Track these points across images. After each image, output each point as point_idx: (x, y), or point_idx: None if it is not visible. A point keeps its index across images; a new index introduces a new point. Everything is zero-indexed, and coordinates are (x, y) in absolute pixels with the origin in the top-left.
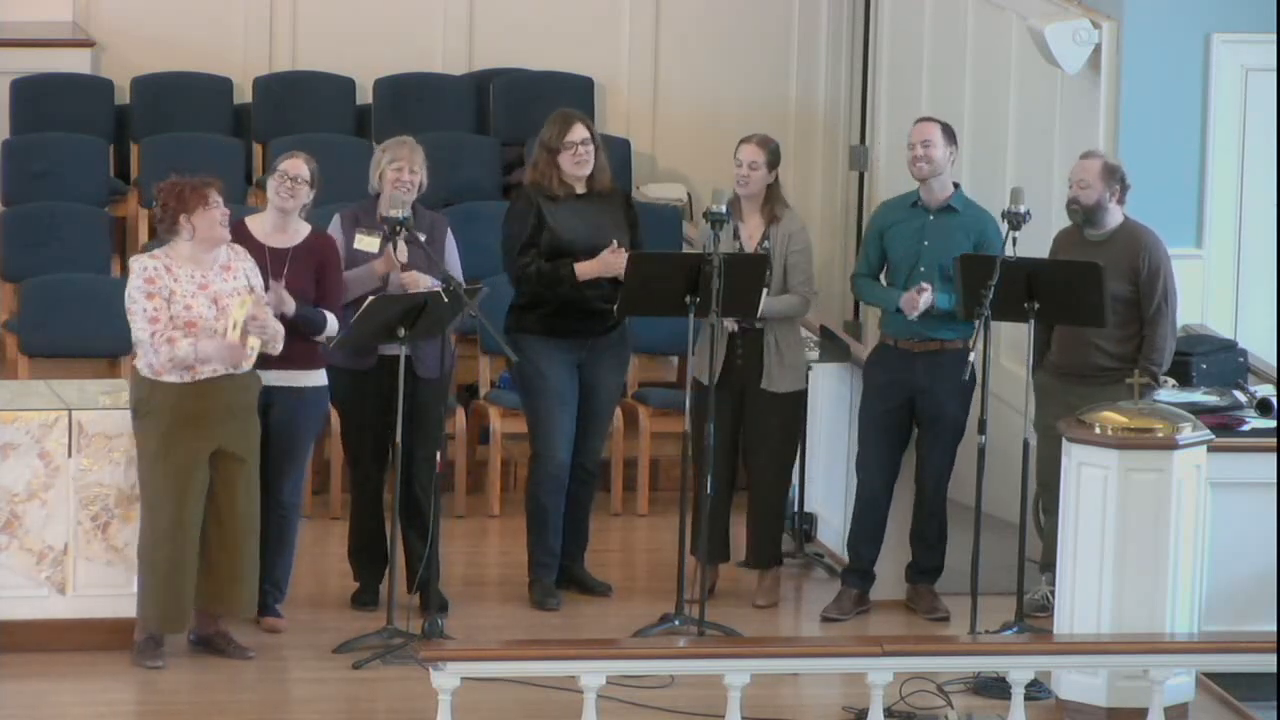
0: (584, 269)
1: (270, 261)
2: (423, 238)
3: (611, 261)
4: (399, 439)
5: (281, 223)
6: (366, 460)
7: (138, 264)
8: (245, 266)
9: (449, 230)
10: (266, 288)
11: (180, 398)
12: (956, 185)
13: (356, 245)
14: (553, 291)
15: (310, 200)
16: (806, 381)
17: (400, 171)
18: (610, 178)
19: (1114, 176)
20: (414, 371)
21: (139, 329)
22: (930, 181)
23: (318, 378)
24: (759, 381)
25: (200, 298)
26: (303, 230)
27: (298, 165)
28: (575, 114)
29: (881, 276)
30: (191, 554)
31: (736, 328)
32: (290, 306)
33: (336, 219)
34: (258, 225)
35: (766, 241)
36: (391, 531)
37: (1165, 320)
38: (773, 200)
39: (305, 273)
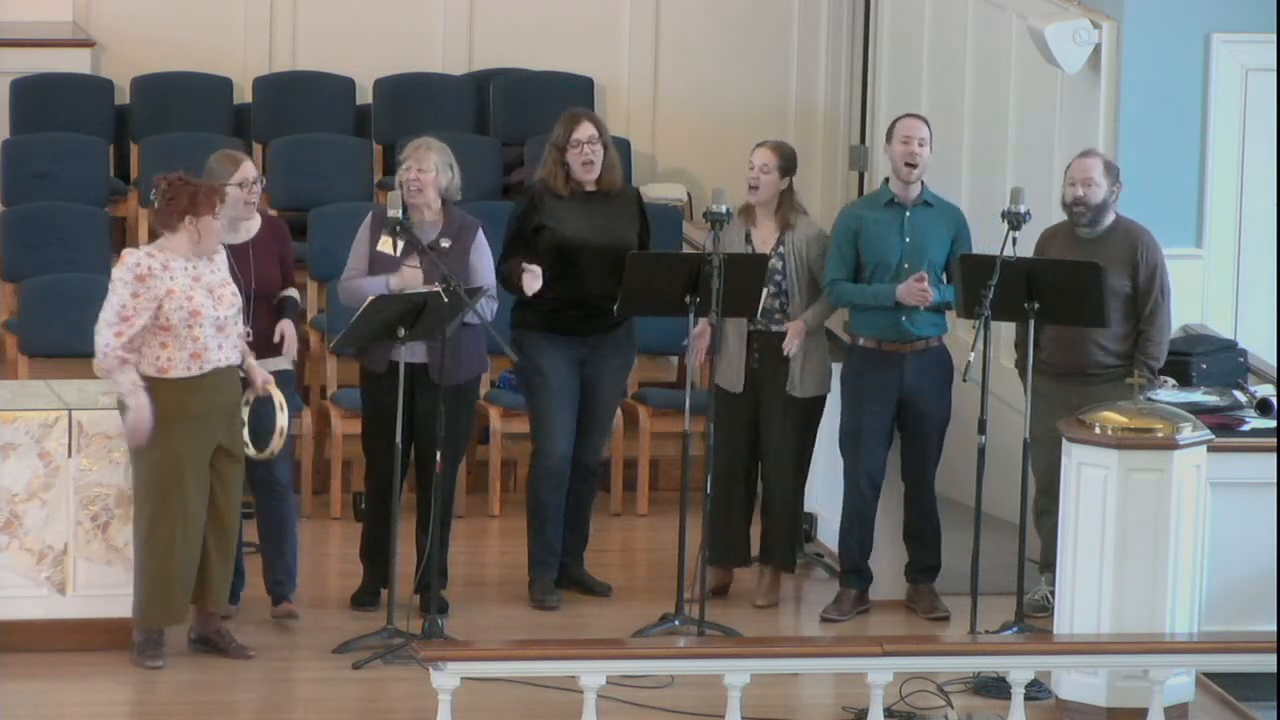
0: (523, 280)
1: (235, 259)
2: (446, 243)
3: (529, 275)
4: (398, 439)
5: (236, 221)
6: (381, 462)
7: (133, 258)
8: (221, 258)
9: (480, 233)
10: (239, 286)
11: (186, 395)
12: (922, 182)
13: (379, 248)
14: (561, 288)
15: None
16: (829, 386)
17: (409, 171)
18: (621, 177)
19: (1116, 175)
20: (430, 376)
21: (108, 316)
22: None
23: (286, 362)
24: (780, 385)
25: (198, 289)
26: (255, 221)
27: (250, 167)
28: (584, 113)
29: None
30: (198, 549)
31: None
32: (294, 342)
33: (369, 216)
34: None
35: (781, 248)
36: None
37: (1163, 315)
38: (786, 207)
39: (271, 261)
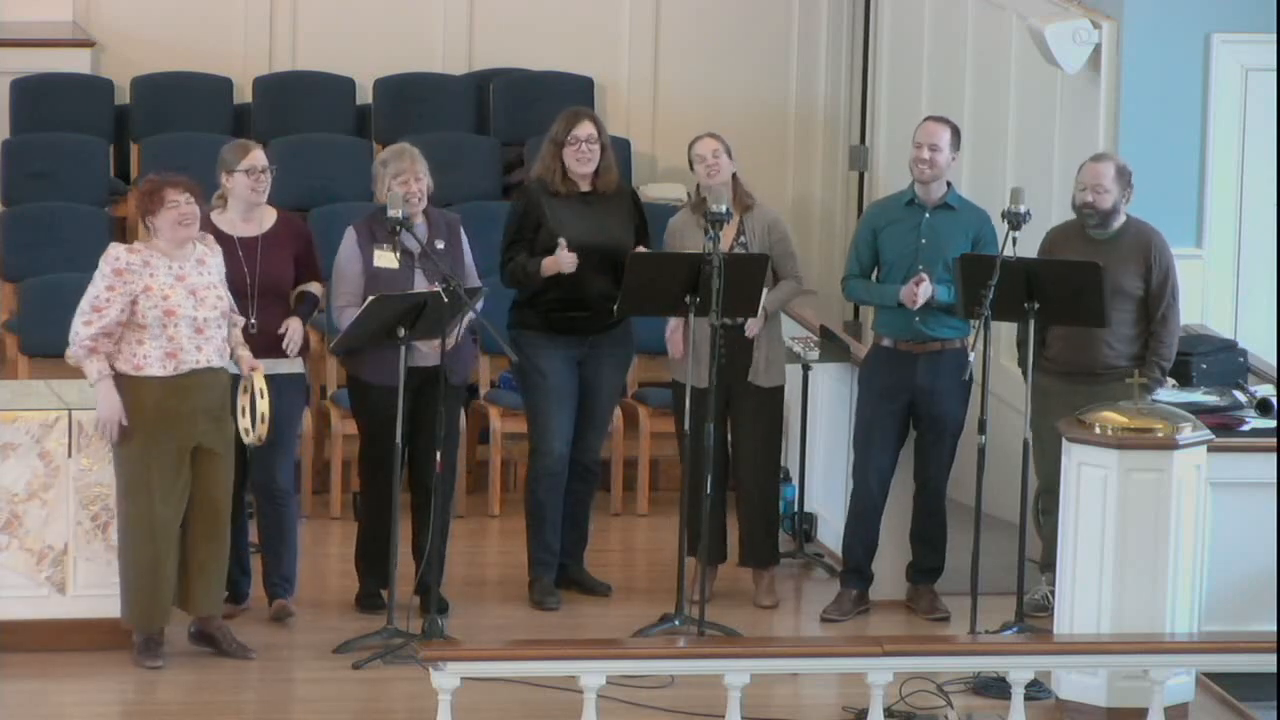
0: (545, 265)
1: (243, 251)
2: (440, 244)
3: (560, 260)
4: (399, 439)
5: (249, 213)
6: (388, 468)
7: (114, 251)
8: (216, 261)
9: (461, 229)
10: (242, 278)
11: (163, 395)
12: (949, 184)
13: (377, 263)
14: (557, 287)
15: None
16: (785, 377)
17: (407, 184)
18: (617, 177)
19: (1128, 179)
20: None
21: (83, 306)
22: (930, 181)
23: (296, 364)
24: (744, 377)
25: (178, 289)
26: (269, 215)
27: (260, 156)
28: (586, 111)
29: (872, 277)
30: (173, 551)
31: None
32: (298, 339)
33: (350, 232)
34: (224, 220)
35: (742, 237)
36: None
37: (1174, 318)
38: (740, 192)
39: (282, 258)
